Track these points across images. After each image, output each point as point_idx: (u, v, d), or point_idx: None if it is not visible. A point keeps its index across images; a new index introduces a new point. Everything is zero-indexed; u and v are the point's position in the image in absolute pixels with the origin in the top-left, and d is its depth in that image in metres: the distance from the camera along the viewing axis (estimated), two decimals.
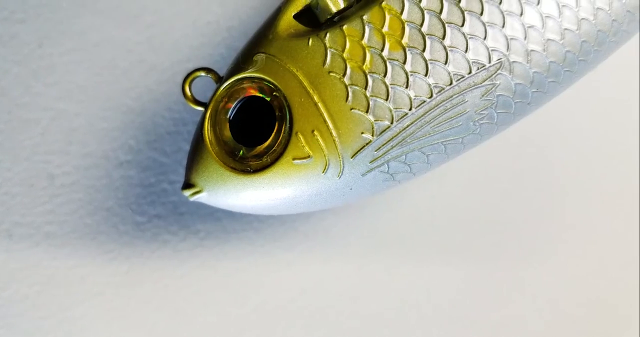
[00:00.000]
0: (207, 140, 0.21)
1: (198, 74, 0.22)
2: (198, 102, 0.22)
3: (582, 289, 0.29)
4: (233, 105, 0.21)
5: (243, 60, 0.21)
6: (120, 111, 0.27)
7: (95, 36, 0.26)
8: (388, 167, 0.21)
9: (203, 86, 0.24)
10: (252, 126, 0.21)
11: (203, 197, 0.22)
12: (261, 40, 0.21)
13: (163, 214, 0.27)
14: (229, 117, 0.21)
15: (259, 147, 0.21)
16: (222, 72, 0.22)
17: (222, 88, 0.21)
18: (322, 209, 0.22)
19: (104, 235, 0.27)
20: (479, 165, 0.29)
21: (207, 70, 0.22)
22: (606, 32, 0.21)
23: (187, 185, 0.22)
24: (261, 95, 0.21)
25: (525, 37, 0.20)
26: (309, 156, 0.20)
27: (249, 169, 0.21)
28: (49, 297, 0.27)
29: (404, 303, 0.28)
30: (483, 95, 0.20)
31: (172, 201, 0.27)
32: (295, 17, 0.21)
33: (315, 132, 0.20)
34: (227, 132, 0.21)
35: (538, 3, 0.20)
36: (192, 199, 0.22)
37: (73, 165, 0.27)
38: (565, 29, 0.21)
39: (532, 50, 0.20)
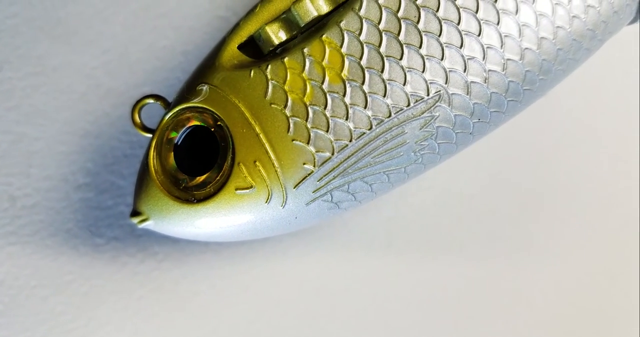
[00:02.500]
0: (152, 168, 0.21)
1: (146, 101, 0.23)
2: (147, 129, 0.23)
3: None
4: (178, 135, 0.21)
5: (187, 91, 0.21)
6: (78, 135, 0.27)
7: (54, 61, 0.27)
8: (332, 197, 0.21)
9: (160, 110, 0.24)
10: (198, 155, 0.21)
11: (150, 225, 0.22)
12: (205, 70, 0.21)
13: (121, 237, 0.27)
14: (174, 146, 0.21)
15: (202, 176, 0.21)
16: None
17: (167, 117, 0.21)
18: (270, 236, 0.23)
19: (65, 256, 0.27)
20: (443, 182, 0.29)
21: (156, 97, 0.23)
22: (551, 61, 0.21)
23: (135, 212, 0.22)
24: (205, 125, 0.21)
25: (465, 69, 0.20)
26: (251, 186, 0.20)
27: (193, 198, 0.21)
28: (11, 318, 0.27)
29: (364, 323, 0.28)
30: (422, 127, 0.21)
31: (129, 223, 0.27)
32: (240, 47, 0.21)
33: (258, 163, 0.20)
34: (172, 161, 0.21)
35: (479, 34, 0.20)
36: (140, 226, 0.22)
37: (33, 188, 0.27)
38: (508, 59, 0.21)
39: (472, 82, 0.21)
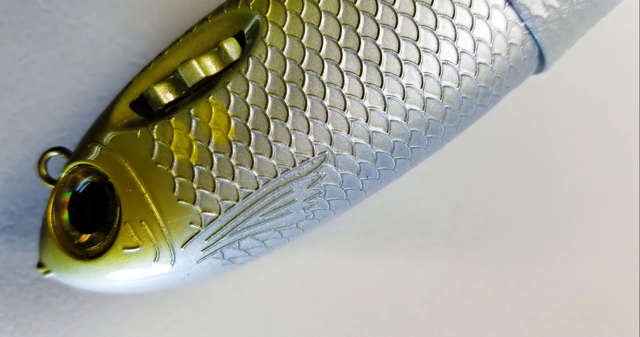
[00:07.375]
0: (50, 223, 0.22)
1: (50, 154, 0.23)
2: (53, 181, 0.23)
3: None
4: (73, 191, 0.22)
5: (80, 148, 0.22)
6: (2, 179, 0.27)
7: None
8: (223, 254, 0.21)
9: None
10: (92, 212, 0.22)
11: (54, 276, 0.22)
12: (96, 129, 0.22)
13: (44, 277, 0.28)
14: (69, 201, 0.22)
15: (92, 234, 0.21)
16: None
17: (63, 174, 0.22)
18: (167, 290, 0.23)
19: None
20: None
21: (60, 150, 0.23)
22: (439, 120, 0.21)
23: (40, 264, 0.23)
24: (95, 183, 0.21)
25: (349, 131, 0.21)
26: (138, 246, 0.21)
27: (85, 255, 0.21)
28: None
29: None
30: (310, 186, 0.21)
31: None
32: (133, 105, 0.22)
33: (144, 223, 0.21)
34: (66, 217, 0.22)
35: (362, 97, 0.20)
36: (45, 277, 0.23)
37: None
38: (392, 120, 0.21)
39: (356, 143, 0.21)
